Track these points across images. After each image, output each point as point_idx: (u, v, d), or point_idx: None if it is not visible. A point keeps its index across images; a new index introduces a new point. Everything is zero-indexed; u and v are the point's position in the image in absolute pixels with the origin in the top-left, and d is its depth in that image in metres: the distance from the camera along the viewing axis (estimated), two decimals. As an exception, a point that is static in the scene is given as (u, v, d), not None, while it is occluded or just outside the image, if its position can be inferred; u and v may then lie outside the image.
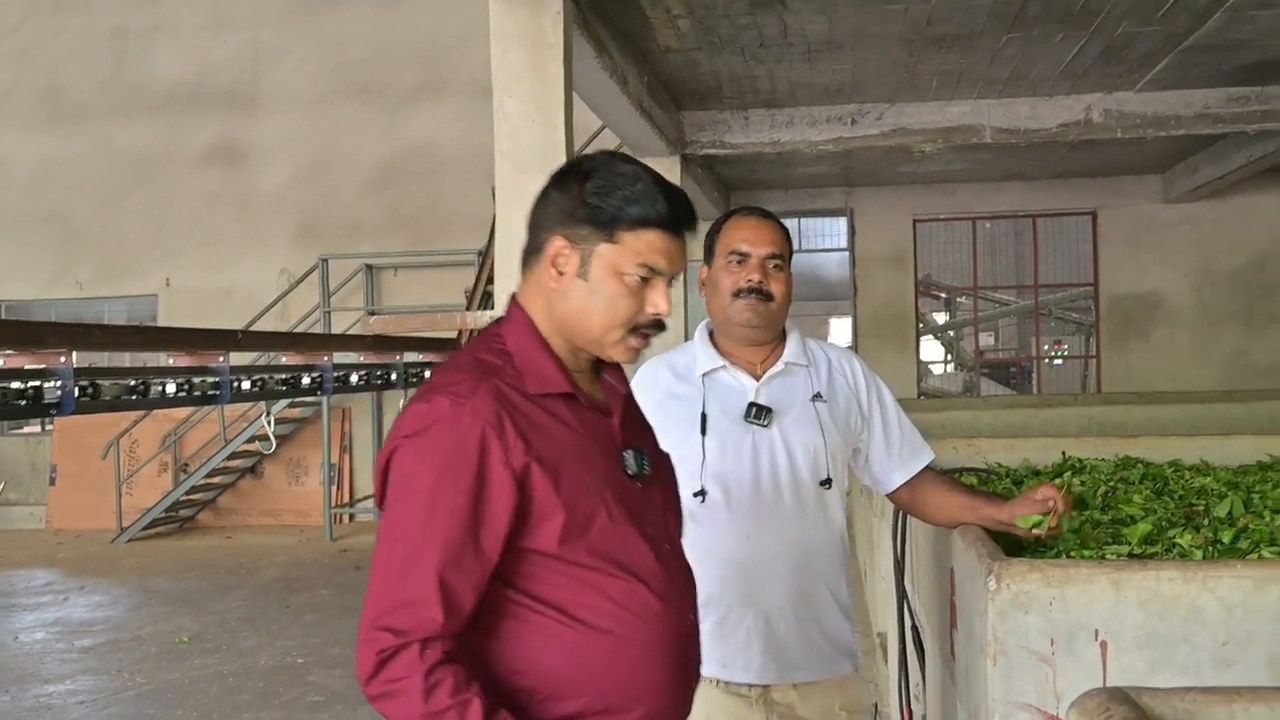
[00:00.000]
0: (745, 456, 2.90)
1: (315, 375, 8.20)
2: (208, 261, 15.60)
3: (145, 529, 14.36)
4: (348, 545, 13.44)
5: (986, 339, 19.44)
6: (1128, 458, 4.65)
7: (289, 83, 15.57)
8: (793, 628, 2.92)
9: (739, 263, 2.91)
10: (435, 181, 15.22)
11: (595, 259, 2.05)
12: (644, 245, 2.04)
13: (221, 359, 6.73)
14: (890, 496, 3.14)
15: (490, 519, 1.95)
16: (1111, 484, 4.01)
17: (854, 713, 3.06)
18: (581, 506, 2.02)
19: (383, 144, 15.37)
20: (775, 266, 2.94)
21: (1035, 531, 2.74)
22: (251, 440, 14.22)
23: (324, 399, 13.67)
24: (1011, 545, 2.80)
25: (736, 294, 2.92)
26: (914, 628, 3.68)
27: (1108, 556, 2.81)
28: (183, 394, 6.32)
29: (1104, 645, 2.33)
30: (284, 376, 7.89)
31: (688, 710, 2.18)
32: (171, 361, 6.60)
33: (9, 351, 5.22)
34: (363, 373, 9.02)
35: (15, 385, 5.09)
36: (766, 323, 2.95)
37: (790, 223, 10.21)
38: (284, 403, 13.82)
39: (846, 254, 15.58)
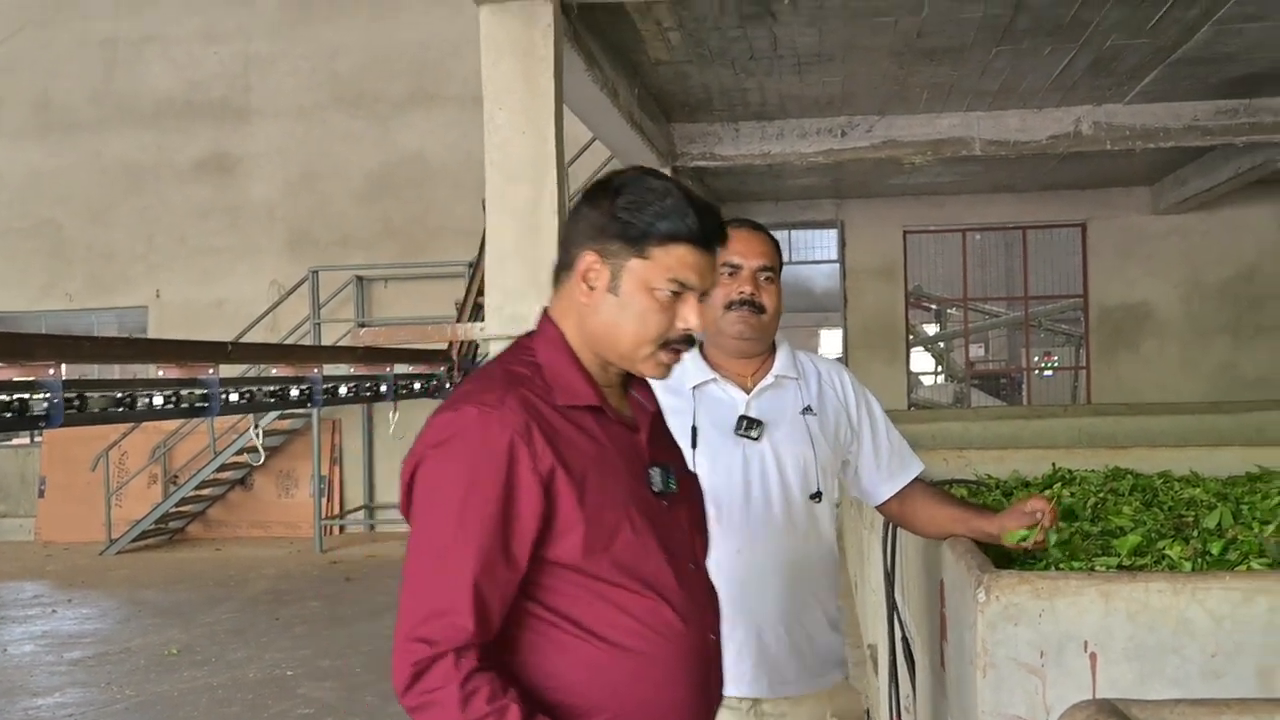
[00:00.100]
0: (736, 470, 2.90)
1: (304, 387, 8.19)
2: (198, 273, 15.58)
3: (134, 541, 14.32)
4: (338, 557, 13.41)
5: (977, 350, 19.48)
6: (1117, 469, 4.66)
7: (279, 93, 15.57)
8: (784, 641, 2.92)
9: (730, 275, 2.90)
10: (426, 193, 15.22)
11: (626, 274, 2.06)
12: (674, 260, 2.05)
13: (211, 371, 6.72)
14: (879, 509, 3.14)
15: (519, 527, 1.95)
16: (1101, 495, 4.01)
17: None
18: (606, 519, 2.02)
19: (373, 155, 15.37)
20: (766, 279, 2.94)
21: (1021, 544, 2.74)
22: (241, 452, 14.19)
23: (314, 411, 13.64)
24: (1001, 557, 2.80)
25: (728, 306, 2.91)
26: (904, 639, 3.68)
27: (1097, 568, 2.82)
28: (170, 406, 6.30)
29: (1093, 657, 2.33)
30: (272, 389, 7.88)
31: None
32: (161, 374, 6.59)
33: (-2, 363, 5.21)
34: (352, 385, 9.00)
35: (4, 398, 5.08)
36: (758, 335, 2.95)
37: (780, 235, 10.24)
38: (273, 415, 13.80)
39: (836, 266, 15.60)
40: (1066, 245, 15.84)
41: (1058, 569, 2.80)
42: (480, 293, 9.51)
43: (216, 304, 15.39)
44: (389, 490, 15.27)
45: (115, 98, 15.83)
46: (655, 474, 2.15)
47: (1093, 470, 4.64)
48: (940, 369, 19.45)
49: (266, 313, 14.74)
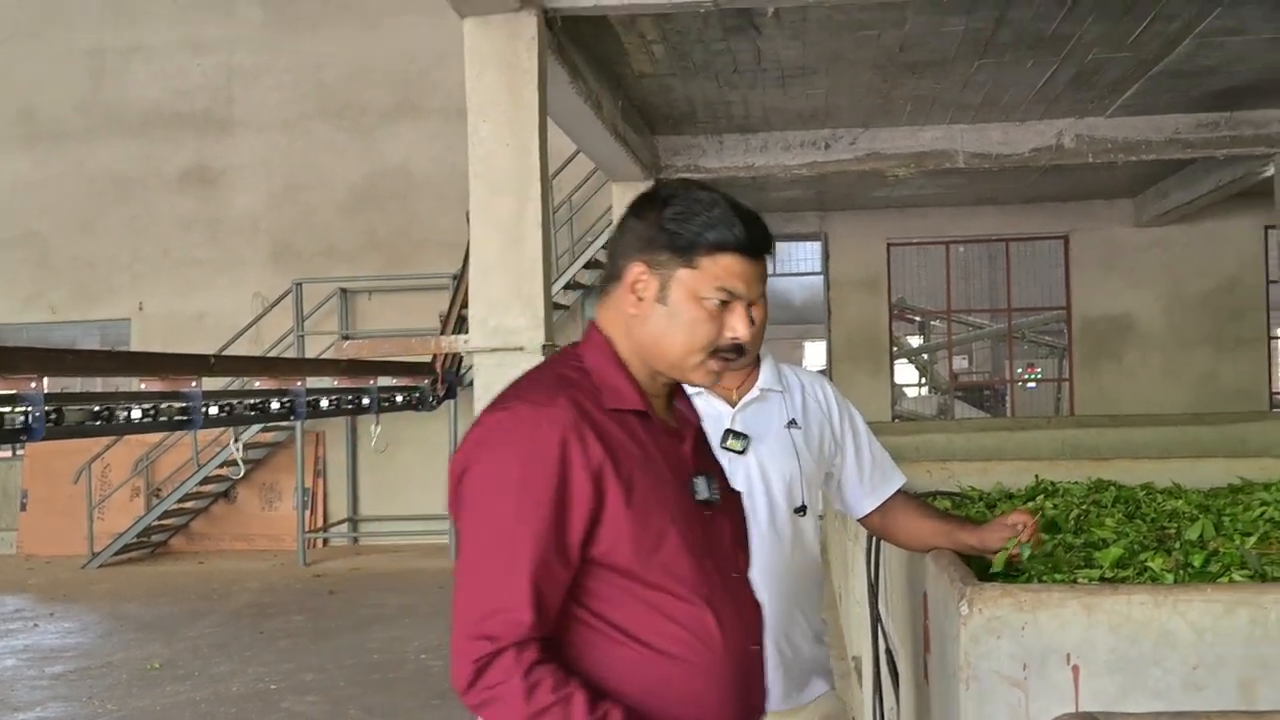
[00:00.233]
0: None
1: (285, 400, 8.16)
2: (181, 285, 15.54)
3: (117, 554, 14.26)
4: (321, 570, 13.37)
5: (960, 362, 19.53)
6: (1100, 480, 4.67)
7: (264, 105, 15.56)
8: (770, 656, 2.92)
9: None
10: (410, 205, 15.21)
11: (674, 284, 2.07)
12: (722, 270, 2.06)
13: (194, 384, 6.70)
14: (862, 521, 3.14)
15: (572, 523, 1.97)
16: (1084, 507, 4.02)
17: (831, 730, 3.05)
18: (653, 522, 2.03)
19: (357, 167, 15.36)
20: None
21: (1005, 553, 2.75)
22: (225, 465, 14.15)
23: (297, 424, 13.61)
24: (984, 570, 2.81)
25: None
26: (888, 651, 3.68)
27: (1079, 580, 2.82)
28: (148, 420, 6.27)
29: (1076, 669, 2.33)
30: (253, 402, 7.85)
31: None
32: (143, 386, 6.57)
33: (-21, 376, 5.18)
34: (334, 398, 8.98)
35: (-15, 410, 5.06)
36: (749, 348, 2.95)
37: (764, 247, 10.24)
38: (256, 427, 13.76)
39: (821, 278, 15.61)
40: (1049, 257, 15.90)
41: (1040, 581, 2.80)
42: (464, 305, 9.50)
43: (199, 316, 15.35)
44: (372, 503, 15.24)
45: (100, 108, 15.80)
46: (700, 483, 2.16)
47: (1076, 482, 4.66)
48: (924, 381, 19.49)
49: (250, 325, 14.70)
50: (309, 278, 14.88)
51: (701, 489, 2.15)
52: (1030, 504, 4.15)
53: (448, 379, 10.83)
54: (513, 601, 1.91)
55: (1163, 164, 11.46)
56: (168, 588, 12.54)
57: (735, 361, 2.15)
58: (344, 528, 15.22)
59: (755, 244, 2.09)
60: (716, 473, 2.25)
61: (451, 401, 12.31)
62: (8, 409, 5.15)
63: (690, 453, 2.19)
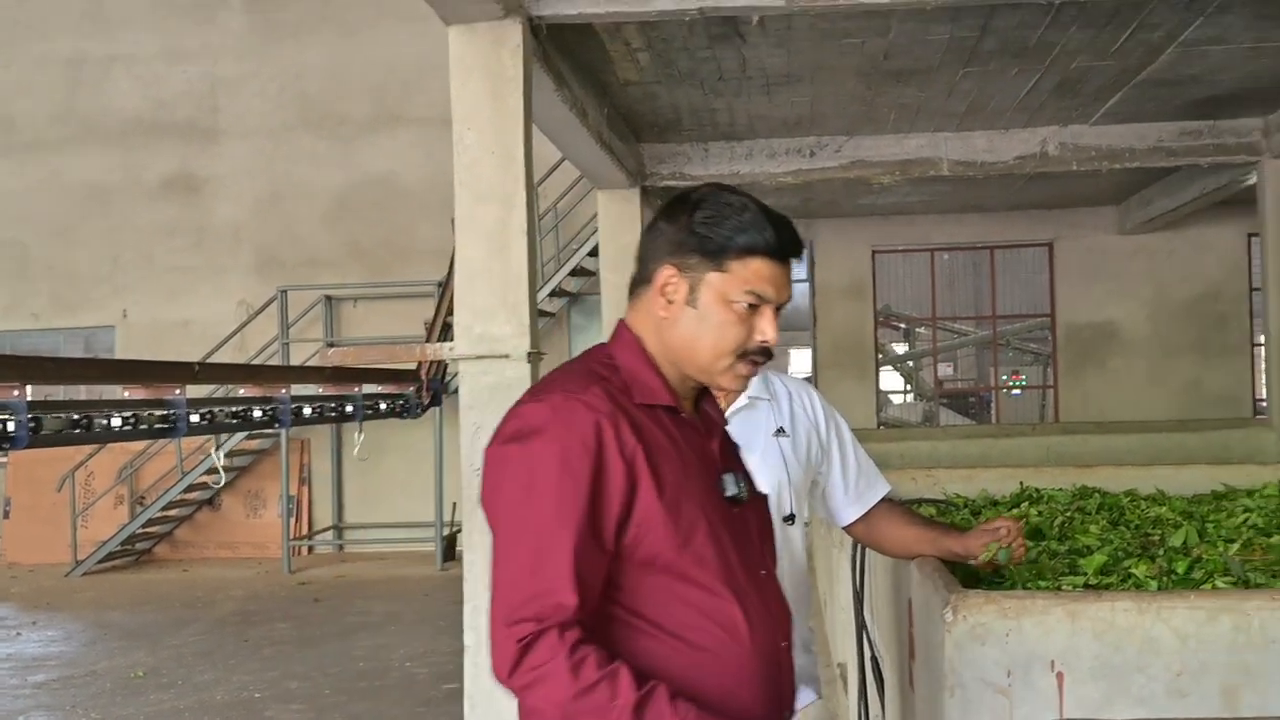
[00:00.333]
0: None
1: (267, 408, 8.14)
2: (165, 293, 15.50)
3: (101, 562, 14.22)
4: (306, 578, 13.34)
5: (945, 369, 19.54)
6: (1085, 487, 4.69)
7: (247, 114, 15.53)
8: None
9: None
10: (394, 212, 15.20)
11: (704, 287, 2.10)
12: (751, 273, 2.09)
13: (178, 392, 6.68)
14: (847, 529, 3.14)
15: (608, 508, 1.99)
16: (1069, 514, 4.04)
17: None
18: (684, 514, 2.05)
19: (341, 175, 15.35)
20: None
21: (988, 563, 2.75)
22: (207, 473, 14.11)
23: (282, 431, 13.58)
24: (969, 577, 2.81)
25: None
26: (873, 659, 3.69)
27: (1064, 587, 2.83)
28: (128, 427, 6.25)
29: (1060, 676, 2.34)
30: (235, 409, 7.83)
31: None
32: (127, 394, 6.55)
33: (-38, 384, 5.16)
34: (317, 405, 8.96)
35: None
36: None
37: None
38: (241, 435, 13.73)
39: (806, 284, 15.64)
40: (1034, 264, 15.94)
41: (1025, 588, 2.81)
42: (449, 312, 9.50)
43: (184, 324, 15.31)
44: (358, 510, 15.21)
45: (81, 117, 15.76)
46: (728, 480, 2.19)
47: (1060, 489, 4.67)
48: (909, 388, 19.52)
49: (234, 333, 14.67)
50: (293, 285, 14.85)
51: (730, 486, 2.18)
52: (1015, 511, 4.16)
53: (433, 386, 10.84)
54: (555, 585, 1.92)
55: (1146, 172, 11.50)
56: (151, 596, 12.50)
57: (763, 365, 2.18)
58: (329, 535, 15.19)
59: (785, 248, 2.12)
60: (743, 472, 2.28)
61: (436, 409, 12.32)
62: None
63: (718, 451, 2.22)
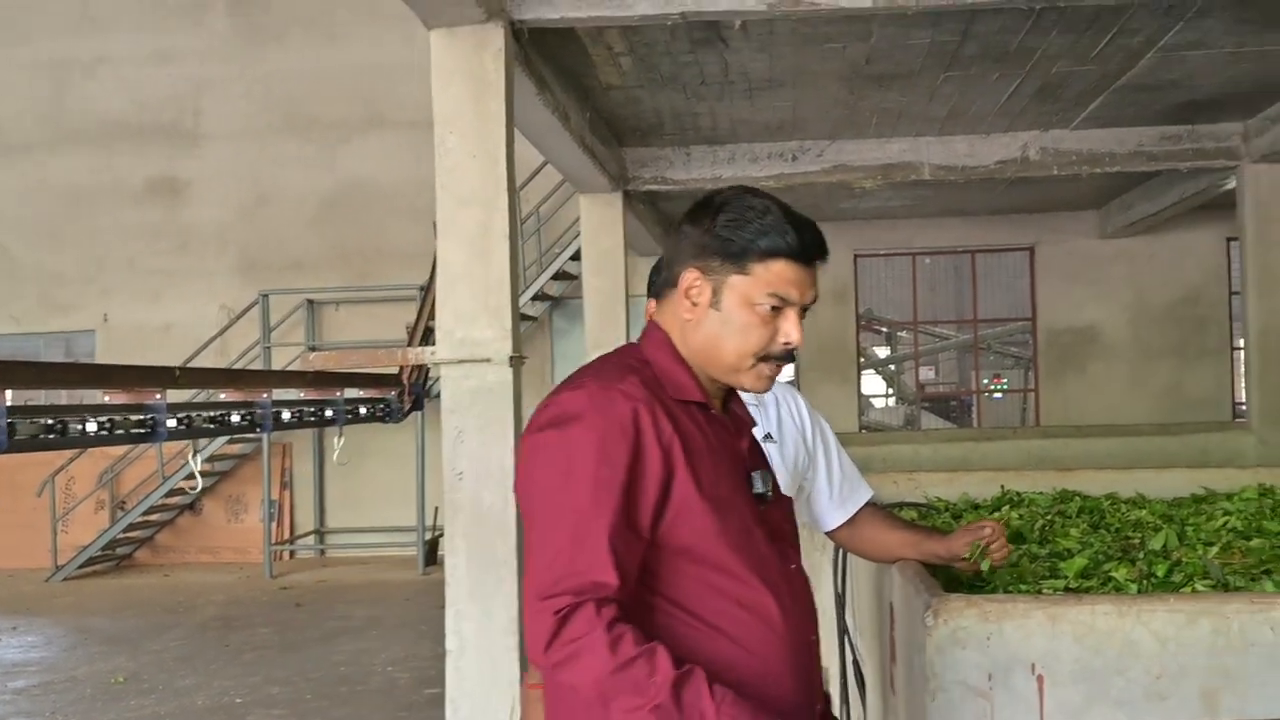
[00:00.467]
0: None
1: (245, 413, 8.11)
2: (147, 297, 15.45)
3: (81, 567, 14.16)
4: (288, 583, 13.30)
5: (927, 373, 19.56)
6: (1065, 491, 4.70)
7: (229, 117, 15.50)
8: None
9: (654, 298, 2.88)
10: (377, 216, 15.17)
11: (727, 290, 2.12)
12: (774, 276, 2.11)
13: (159, 396, 6.65)
14: (829, 534, 3.14)
15: (645, 494, 2.00)
16: (1049, 517, 4.05)
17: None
18: (719, 505, 2.07)
19: (324, 178, 15.32)
20: None
21: (970, 563, 2.75)
22: (185, 479, 14.05)
23: (264, 436, 13.55)
24: (950, 581, 2.82)
25: None
26: (855, 662, 3.69)
27: (1044, 591, 2.84)
28: (105, 432, 6.21)
29: (1040, 679, 2.35)
30: (213, 414, 7.79)
31: None
32: (108, 399, 6.52)
33: (-59, 389, 5.13)
34: (296, 410, 8.92)
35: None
36: None
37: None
38: (222, 440, 13.68)
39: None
40: (1015, 269, 15.98)
41: (1005, 592, 2.82)
42: (431, 316, 9.48)
43: (165, 328, 15.26)
44: (340, 515, 15.18)
45: (63, 120, 15.70)
46: (756, 478, 2.22)
47: (1041, 492, 4.68)
48: (891, 391, 19.54)
49: (215, 337, 14.64)
50: (275, 289, 14.82)
51: (758, 484, 2.21)
52: (996, 514, 4.17)
53: (415, 391, 10.80)
54: (593, 564, 1.93)
55: (1127, 176, 11.54)
56: (132, 601, 12.45)
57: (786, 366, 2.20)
58: (311, 540, 15.16)
59: (807, 250, 2.14)
60: (769, 472, 2.30)
61: (418, 413, 12.29)
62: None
63: (746, 450, 2.25)
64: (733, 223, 2.11)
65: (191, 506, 15.11)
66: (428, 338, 10.27)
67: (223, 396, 8.35)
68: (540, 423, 2.07)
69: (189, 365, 13.04)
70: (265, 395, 8.43)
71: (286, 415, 8.71)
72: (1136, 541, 3.52)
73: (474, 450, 5.55)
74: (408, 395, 10.71)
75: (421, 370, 10.73)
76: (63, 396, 11.36)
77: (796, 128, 9.67)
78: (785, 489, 2.97)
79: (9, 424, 5.35)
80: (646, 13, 5.97)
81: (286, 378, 10.08)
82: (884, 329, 18.78)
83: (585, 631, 1.88)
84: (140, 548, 15.12)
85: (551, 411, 2.07)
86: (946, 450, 10.00)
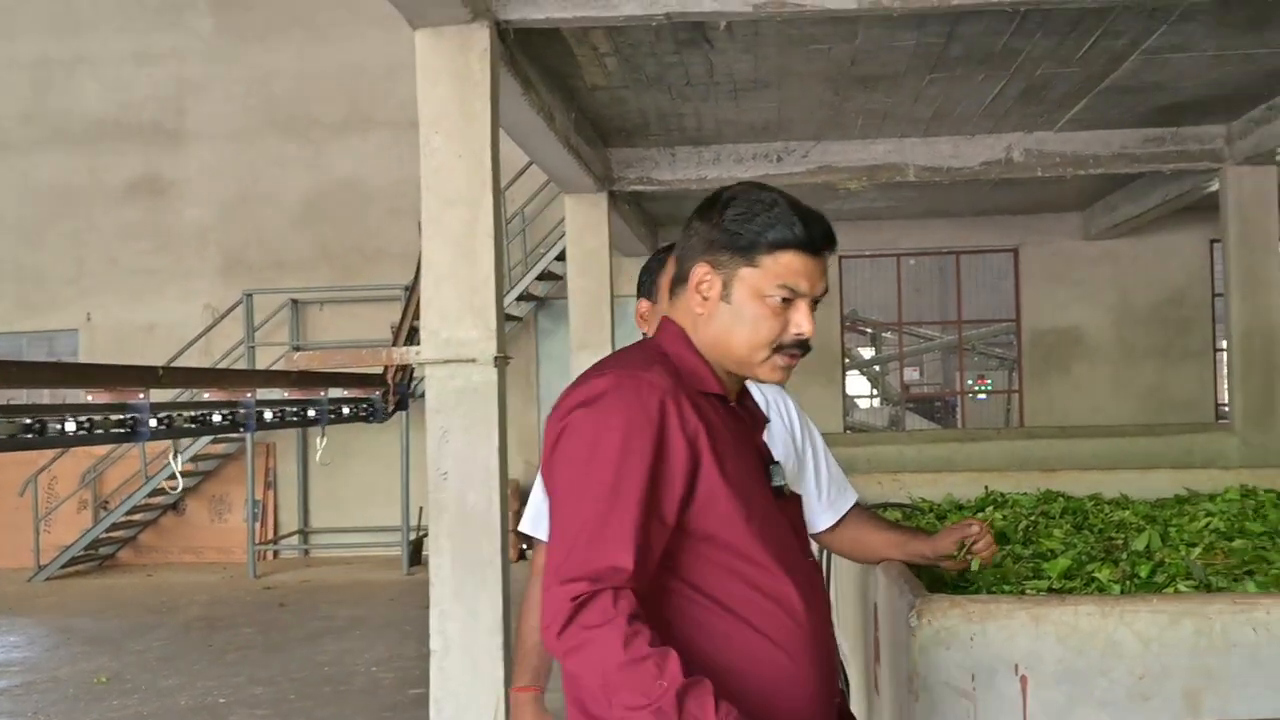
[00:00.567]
0: None
1: (228, 412, 8.08)
2: (130, 296, 15.39)
3: (64, 567, 14.11)
4: (271, 583, 13.27)
5: (911, 374, 19.61)
6: (1049, 492, 4.71)
7: (213, 116, 15.45)
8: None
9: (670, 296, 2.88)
10: (361, 216, 15.15)
11: (737, 282, 2.14)
12: (782, 267, 2.13)
13: (142, 396, 6.63)
14: (815, 537, 3.13)
15: (669, 484, 2.01)
16: (1033, 518, 4.06)
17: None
18: (742, 495, 2.09)
19: (308, 178, 15.29)
20: None
21: (956, 562, 2.76)
22: (166, 480, 14.00)
23: (247, 435, 13.51)
24: (934, 581, 2.82)
25: None
26: (839, 662, 3.69)
27: (1028, 592, 2.85)
28: (83, 433, 6.19)
29: (1024, 680, 2.35)
30: (195, 414, 7.77)
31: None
32: (90, 399, 6.50)
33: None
34: (278, 410, 8.89)
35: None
36: None
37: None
38: (206, 439, 13.64)
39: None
40: (999, 270, 16.02)
41: (989, 592, 2.82)
42: (416, 316, 9.47)
43: (149, 327, 15.21)
44: (324, 515, 15.15)
45: (46, 119, 15.63)
46: (775, 470, 2.25)
47: (1025, 493, 4.70)
48: (876, 392, 19.57)
49: (199, 336, 14.59)
50: (260, 289, 14.78)
51: (776, 477, 2.24)
52: (980, 515, 4.18)
53: (399, 391, 10.79)
54: (613, 549, 1.93)
55: (1110, 178, 11.57)
56: (115, 601, 12.41)
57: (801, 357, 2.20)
58: (295, 540, 15.12)
59: (815, 241, 2.16)
60: (781, 466, 2.32)
61: (403, 413, 12.27)
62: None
63: (763, 443, 2.29)
64: (741, 216, 2.14)
65: (175, 506, 15.06)
66: (413, 338, 10.26)
67: (206, 396, 8.33)
68: (568, 405, 2.09)
69: (173, 365, 12.99)
70: (249, 395, 8.42)
71: (269, 415, 8.69)
72: (1120, 542, 3.53)
73: (459, 450, 5.54)
74: (392, 395, 10.69)
75: (406, 370, 10.72)
76: (45, 396, 11.32)
77: (781, 129, 9.68)
78: None
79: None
80: (632, 13, 5.97)
81: (270, 377, 10.05)
82: (869, 330, 18.83)
83: (600, 621, 1.88)
84: (123, 547, 15.06)
85: (579, 395, 2.08)
86: (931, 451, 10.03)
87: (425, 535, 12.82)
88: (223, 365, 14.27)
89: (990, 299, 16.64)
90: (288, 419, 9.06)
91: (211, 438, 13.53)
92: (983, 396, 18.06)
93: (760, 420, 2.33)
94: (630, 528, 1.94)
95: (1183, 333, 15.03)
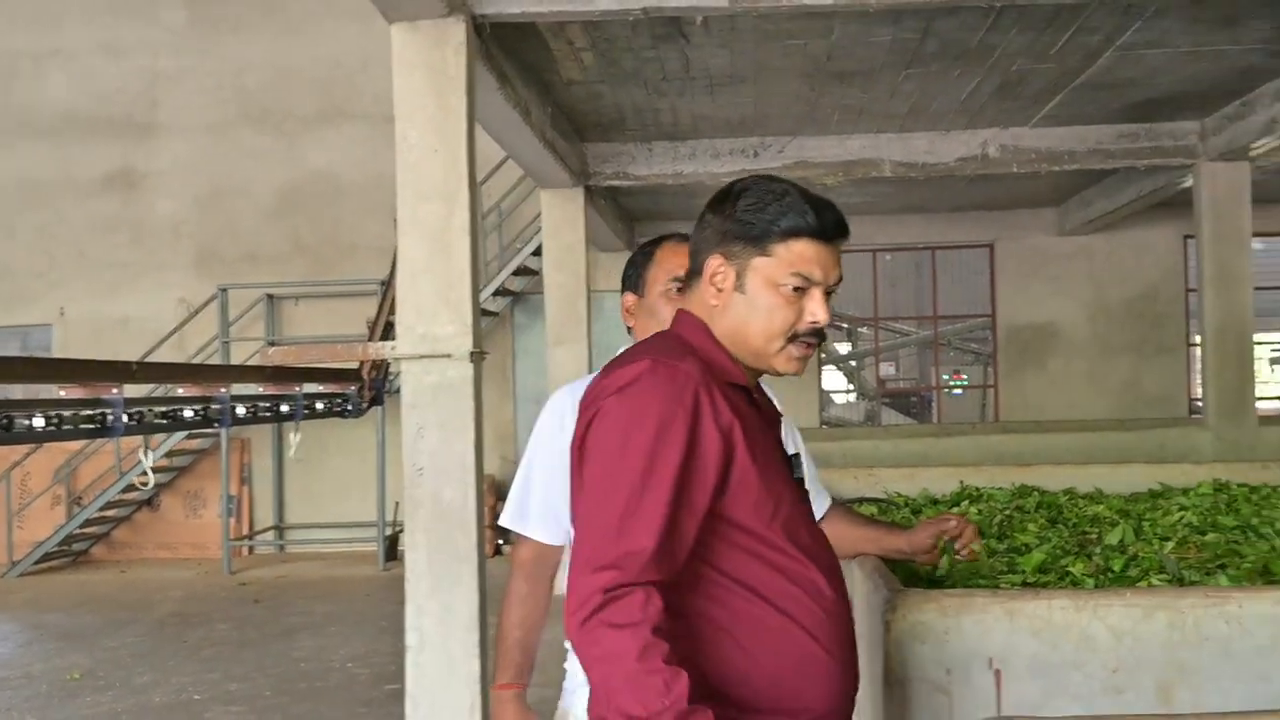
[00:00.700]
0: None
1: (201, 408, 8.05)
2: (103, 291, 15.30)
3: (37, 563, 14.03)
4: (247, 579, 13.22)
5: (887, 369, 19.66)
6: (1024, 486, 4.73)
7: (187, 109, 15.35)
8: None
9: (679, 290, 2.83)
10: (336, 210, 15.09)
11: (750, 273, 2.15)
12: (795, 256, 2.13)
13: (115, 391, 6.60)
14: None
15: (701, 474, 2.01)
16: (1008, 513, 4.07)
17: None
18: (772, 485, 2.10)
19: (283, 171, 15.21)
20: None
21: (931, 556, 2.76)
22: (140, 475, 13.93)
23: (222, 431, 13.46)
24: (909, 576, 2.83)
25: None
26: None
27: (1002, 586, 2.85)
28: (52, 428, 6.15)
29: (998, 674, 2.36)
30: (172, 409, 7.73)
31: (852, 708, 2.22)
32: (63, 394, 6.46)
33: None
34: (251, 405, 8.86)
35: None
36: None
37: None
38: (180, 434, 13.58)
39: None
40: (975, 265, 16.06)
41: (964, 587, 2.83)
42: (392, 311, 9.45)
43: (123, 322, 15.12)
44: (299, 510, 15.09)
45: (16, 111, 15.50)
46: (796, 463, 2.29)
47: (1000, 488, 4.71)
48: (852, 387, 19.61)
49: (174, 331, 14.52)
50: (234, 283, 14.71)
51: (798, 469, 2.28)
52: (955, 509, 4.19)
53: (375, 386, 10.77)
54: (645, 544, 1.94)
55: (1085, 174, 11.62)
56: (89, 597, 12.35)
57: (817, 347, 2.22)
58: (270, 535, 15.06)
59: (827, 229, 2.16)
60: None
61: (379, 408, 12.25)
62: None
63: (781, 437, 2.30)
64: (753, 206, 2.14)
65: (149, 502, 14.98)
66: (388, 333, 10.25)
67: (181, 391, 8.29)
68: (603, 391, 2.09)
69: (147, 360, 12.92)
70: (223, 390, 8.38)
71: (243, 411, 8.66)
72: (1094, 536, 3.54)
73: (435, 445, 5.53)
74: (368, 390, 10.68)
75: (382, 365, 10.70)
76: (18, 392, 11.25)
77: (758, 124, 9.69)
78: None
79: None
80: (608, 8, 5.96)
81: (245, 372, 10.01)
82: (844, 325, 18.87)
83: (625, 621, 1.88)
84: (97, 543, 14.98)
85: (613, 381, 2.09)
86: (907, 446, 10.07)
87: (401, 531, 12.80)
88: (197, 360, 14.19)
89: (966, 294, 16.70)
90: (261, 414, 9.03)
91: (186, 433, 13.47)
92: (958, 392, 18.11)
93: (776, 415, 2.34)
94: (662, 517, 1.95)
95: (1157, 328, 15.09)
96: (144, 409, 7.33)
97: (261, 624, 10.57)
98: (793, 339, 2.16)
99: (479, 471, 5.60)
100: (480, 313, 5.92)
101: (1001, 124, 9.76)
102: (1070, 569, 3.00)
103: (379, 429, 13.69)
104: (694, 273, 2.23)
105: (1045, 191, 13.60)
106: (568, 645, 2.74)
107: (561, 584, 2.70)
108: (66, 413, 6.28)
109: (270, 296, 14.99)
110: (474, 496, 5.52)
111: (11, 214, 15.42)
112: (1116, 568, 3.00)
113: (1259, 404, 10.72)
